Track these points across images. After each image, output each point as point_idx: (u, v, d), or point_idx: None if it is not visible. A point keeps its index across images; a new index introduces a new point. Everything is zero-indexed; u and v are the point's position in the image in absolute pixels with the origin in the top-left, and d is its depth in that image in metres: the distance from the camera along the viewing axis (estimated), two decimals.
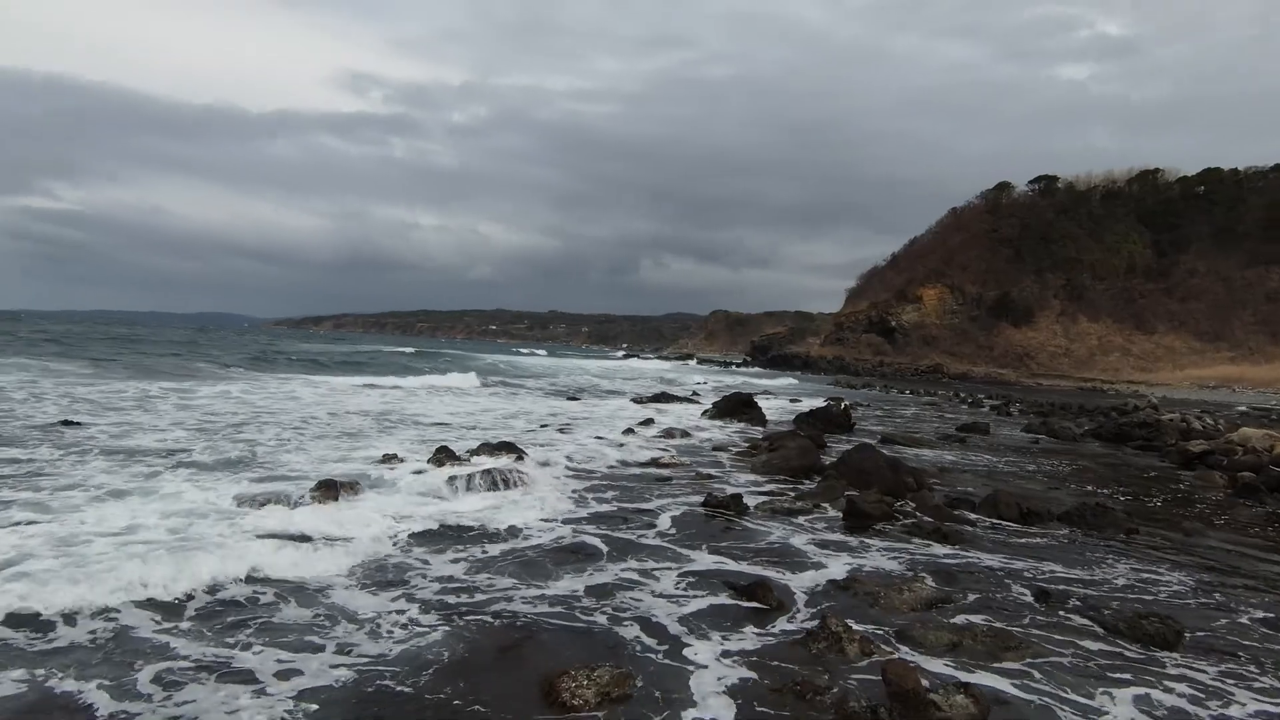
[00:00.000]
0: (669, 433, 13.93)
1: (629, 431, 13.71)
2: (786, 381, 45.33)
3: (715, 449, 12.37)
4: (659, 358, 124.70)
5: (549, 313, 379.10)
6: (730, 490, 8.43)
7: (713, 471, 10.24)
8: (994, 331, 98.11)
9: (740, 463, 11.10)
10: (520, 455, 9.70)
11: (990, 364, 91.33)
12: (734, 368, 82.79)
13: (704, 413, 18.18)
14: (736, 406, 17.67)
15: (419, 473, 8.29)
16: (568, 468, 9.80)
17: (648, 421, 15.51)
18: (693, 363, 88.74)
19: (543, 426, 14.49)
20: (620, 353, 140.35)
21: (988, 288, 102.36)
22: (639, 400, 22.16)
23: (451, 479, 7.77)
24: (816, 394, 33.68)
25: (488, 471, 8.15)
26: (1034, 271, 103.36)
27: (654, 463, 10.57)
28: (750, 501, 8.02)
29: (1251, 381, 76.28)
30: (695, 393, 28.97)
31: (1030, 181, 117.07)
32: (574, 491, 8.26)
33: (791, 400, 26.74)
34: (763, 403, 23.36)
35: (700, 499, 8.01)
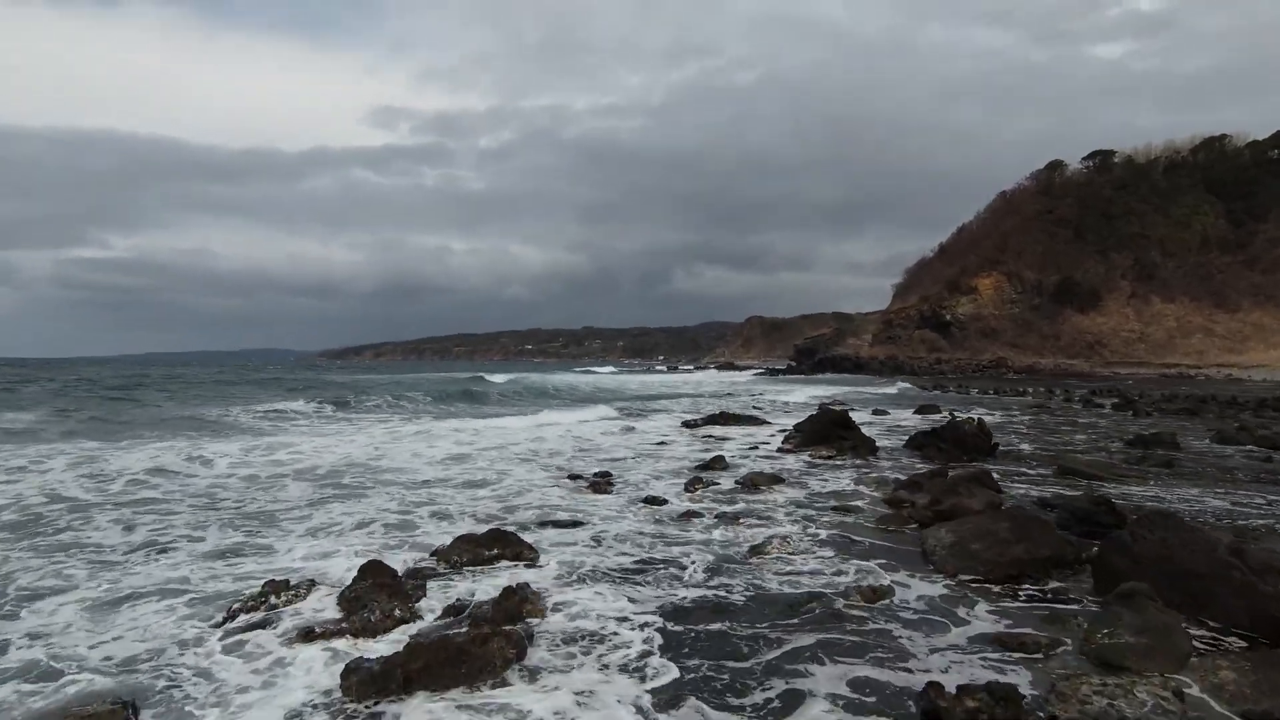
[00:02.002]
0: (774, 477, 9.54)
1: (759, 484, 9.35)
2: (848, 390, 40.44)
3: (839, 508, 7.91)
4: (697, 368, 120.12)
5: (583, 329, 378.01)
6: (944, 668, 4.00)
7: (868, 570, 5.82)
8: (1059, 319, 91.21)
9: (892, 540, 6.65)
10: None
11: (1058, 354, 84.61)
12: (780, 375, 77.77)
13: (785, 438, 13.75)
14: (828, 429, 13.17)
15: None
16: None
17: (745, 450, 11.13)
18: (749, 373, 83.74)
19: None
20: (661, 365, 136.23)
21: (1047, 273, 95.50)
22: (697, 423, 17.82)
23: None
24: (890, 401, 28.86)
25: None
26: (1097, 252, 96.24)
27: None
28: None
29: None
30: (755, 405, 24.58)
31: (1084, 158, 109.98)
32: None
33: (875, 412, 22.06)
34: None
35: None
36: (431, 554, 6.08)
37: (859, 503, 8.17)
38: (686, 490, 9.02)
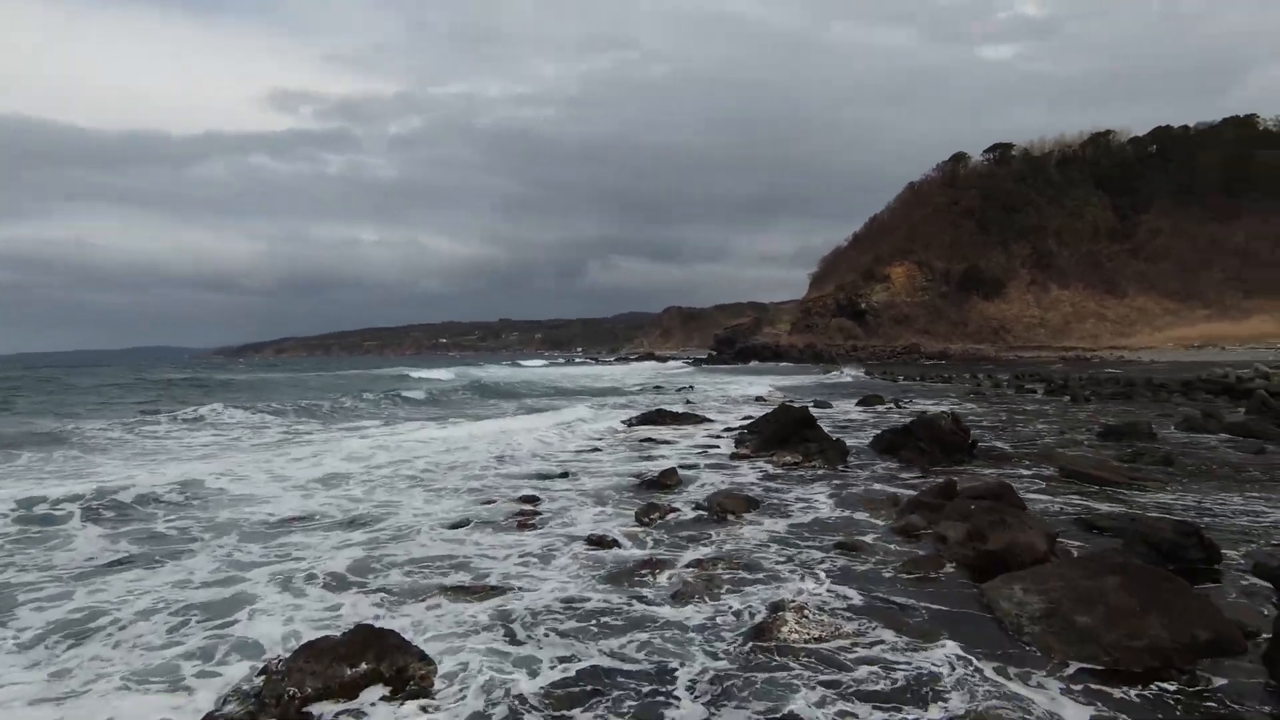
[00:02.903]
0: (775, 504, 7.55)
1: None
2: (785, 381, 39.44)
3: (844, 546, 5.99)
4: (618, 359, 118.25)
5: (500, 321, 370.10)
6: None
7: (943, 662, 3.91)
8: (966, 306, 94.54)
9: (938, 598, 4.79)
10: None
11: (966, 340, 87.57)
12: (705, 365, 76.88)
13: (739, 441, 11.90)
14: (789, 430, 11.37)
15: None
16: None
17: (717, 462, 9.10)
18: (673, 364, 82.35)
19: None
20: (581, 357, 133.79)
21: (954, 262, 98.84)
22: (633, 422, 15.77)
23: None
24: (827, 391, 27.73)
25: None
26: (999, 242, 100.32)
27: None
28: None
29: (1235, 338, 73.74)
30: (688, 400, 22.79)
31: (985, 151, 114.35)
32: None
33: (817, 404, 20.63)
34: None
35: None
36: (260, 673, 3.74)
37: (865, 536, 6.30)
38: (638, 522, 6.93)
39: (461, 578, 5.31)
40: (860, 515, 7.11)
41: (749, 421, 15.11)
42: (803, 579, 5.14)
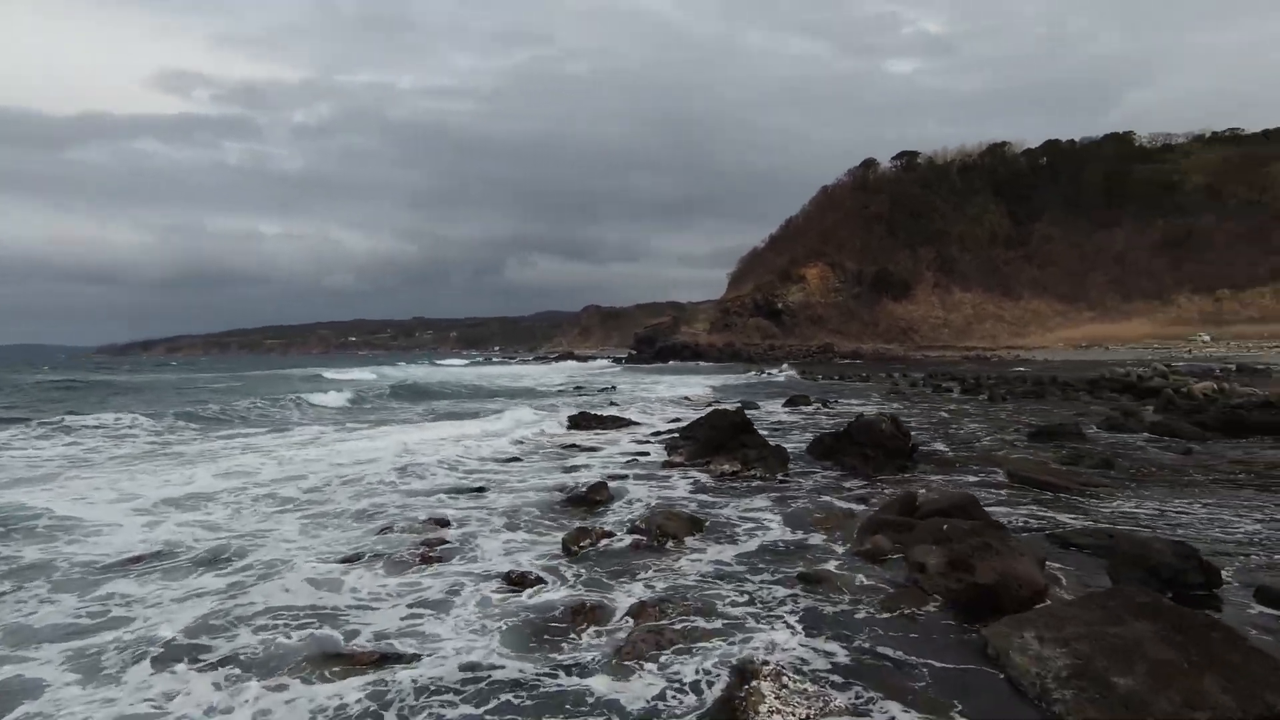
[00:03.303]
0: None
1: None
2: (712, 381, 39.06)
3: (806, 578, 5.16)
4: (537, 358, 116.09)
5: (413, 319, 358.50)
6: None
7: None
8: (877, 307, 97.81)
9: (925, 646, 4.03)
10: None
11: (877, 339, 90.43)
12: (624, 363, 76.16)
13: (671, 448, 11.01)
14: (726, 436, 10.57)
15: None
16: None
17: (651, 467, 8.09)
18: (596, 363, 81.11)
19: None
20: (499, 356, 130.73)
21: (866, 264, 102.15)
22: (563, 425, 14.65)
23: None
24: (751, 392, 27.41)
25: None
26: (907, 246, 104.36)
27: None
28: None
29: (1118, 339, 79.21)
30: (612, 401, 21.82)
31: (894, 157, 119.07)
32: None
33: (744, 405, 20.07)
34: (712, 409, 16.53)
35: None
36: None
37: (827, 564, 5.49)
38: (565, 551, 5.89)
39: (334, 638, 4.13)
40: (816, 537, 6.31)
41: (678, 425, 14.29)
42: (770, 627, 4.24)
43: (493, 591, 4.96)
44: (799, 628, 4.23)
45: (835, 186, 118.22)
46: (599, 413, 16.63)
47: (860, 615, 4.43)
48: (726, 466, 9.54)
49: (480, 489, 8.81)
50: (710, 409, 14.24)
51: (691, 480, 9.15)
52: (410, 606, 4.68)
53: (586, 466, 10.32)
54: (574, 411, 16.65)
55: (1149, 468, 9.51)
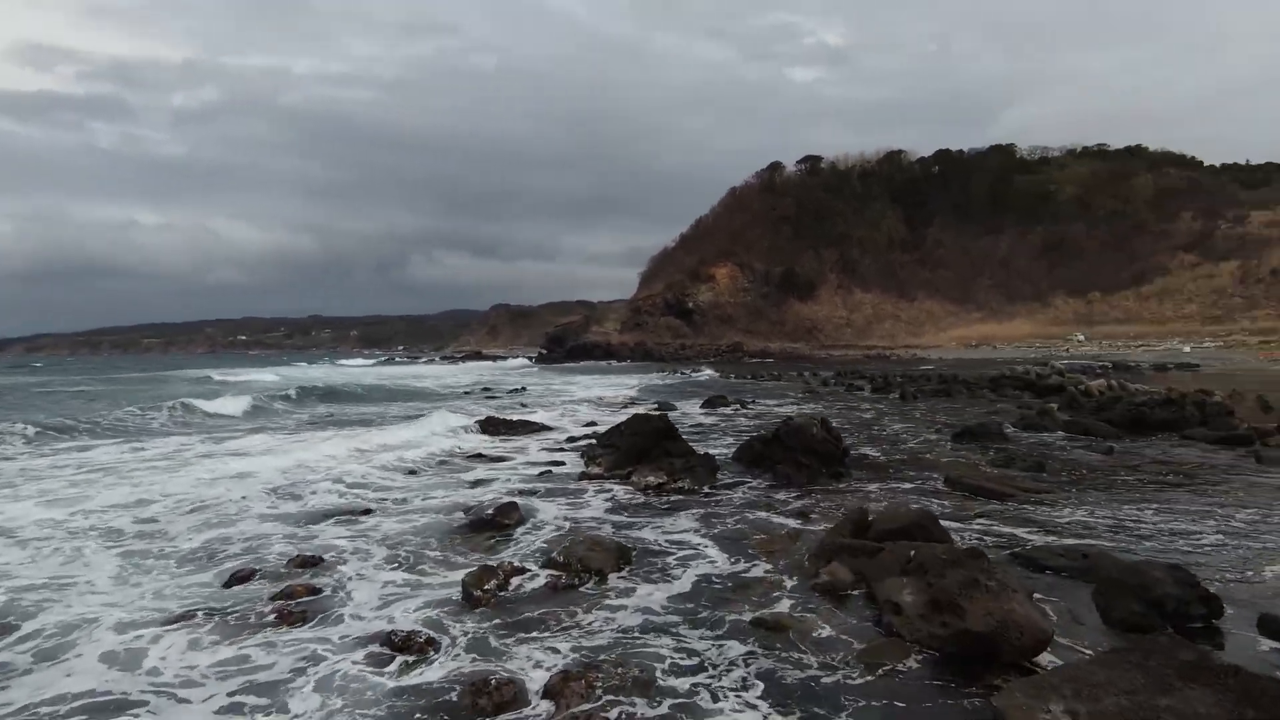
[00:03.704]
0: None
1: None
2: (625, 381, 38.25)
3: (761, 626, 4.28)
4: (443, 358, 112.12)
5: (310, 317, 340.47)
6: None
7: None
8: (784, 307, 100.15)
9: (920, 716, 3.17)
10: None
11: (784, 339, 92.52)
12: (532, 363, 74.38)
13: (589, 458, 9.98)
14: (649, 443, 9.66)
15: None
16: None
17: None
18: (507, 363, 78.68)
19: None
20: (403, 356, 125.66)
21: (773, 264, 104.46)
22: (462, 431, 13.30)
23: None
24: (667, 392, 26.77)
25: None
26: (812, 247, 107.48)
27: None
28: None
29: (1003, 338, 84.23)
30: (522, 403, 20.56)
31: (798, 162, 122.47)
32: None
33: (660, 407, 19.32)
34: (628, 411, 15.58)
35: None
36: None
37: (781, 603, 4.65)
38: (465, 597, 4.78)
39: None
40: (759, 566, 5.47)
41: (595, 430, 13.30)
42: (728, 706, 3.31)
43: (363, 664, 3.81)
44: (764, 705, 3.32)
45: (743, 188, 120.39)
46: (509, 417, 15.41)
47: (834, 679, 3.58)
48: (651, 478, 8.62)
49: (367, 511, 7.53)
50: (630, 414, 13.36)
51: (613, 495, 8.18)
52: (233, 695, 3.47)
53: (494, 480, 9.16)
54: (481, 416, 15.35)
55: (1079, 469, 9.30)
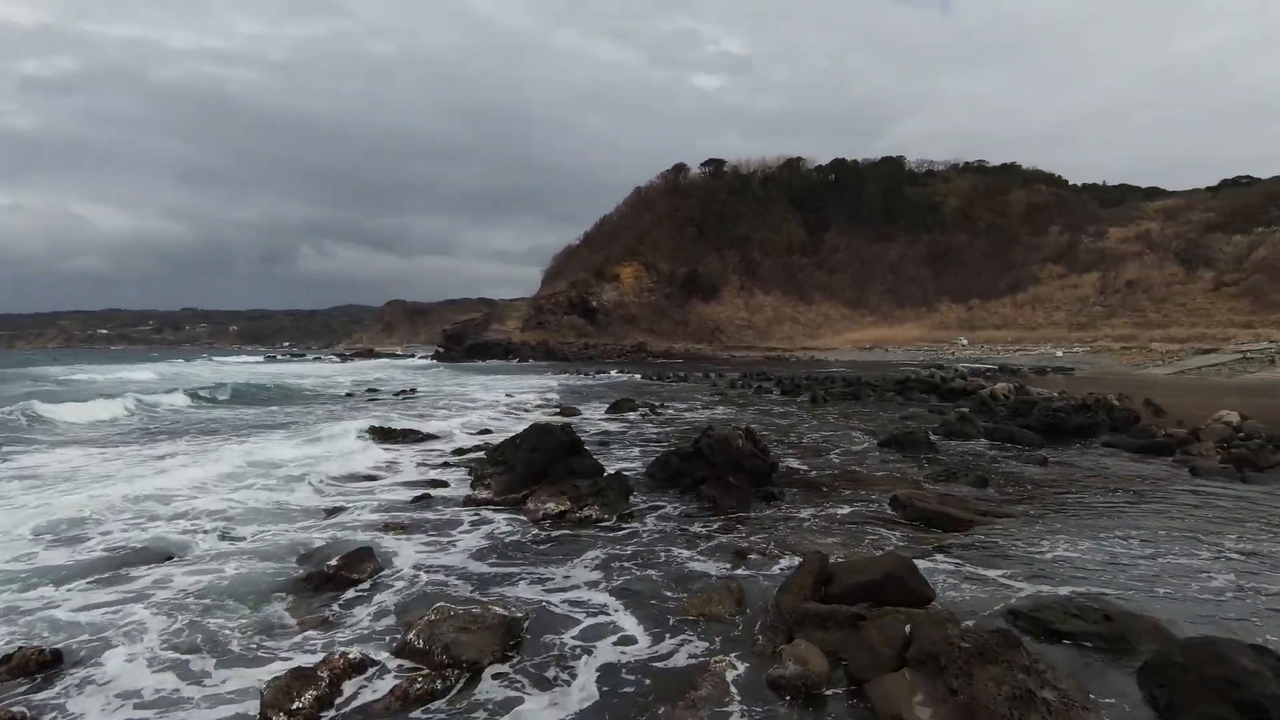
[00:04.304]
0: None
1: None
2: (526, 382, 36.37)
3: None
4: (333, 355, 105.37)
5: (184, 310, 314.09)
6: None
7: None
8: (687, 307, 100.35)
9: None
10: None
11: (688, 339, 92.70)
12: (429, 362, 70.70)
13: (478, 478, 8.30)
14: (550, 460, 8.12)
15: None
16: None
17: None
18: (403, 362, 74.31)
19: None
20: (285, 353, 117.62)
21: (677, 264, 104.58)
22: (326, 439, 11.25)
23: None
24: (570, 395, 25.26)
25: None
26: (715, 249, 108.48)
27: None
28: None
29: (894, 341, 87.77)
30: (409, 407, 18.44)
31: (702, 164, 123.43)
32: None
33: (563, 411, 17.77)
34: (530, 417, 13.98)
35: None
36: None
37: (728, 710, 3.25)
38: (270, 709, 3.11)
39: None
40: (693, 645, 4.07)
41: (487, 440, 11.61)
42: None
43: None
44: None
45: (648, 188, 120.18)
46: (390, 425, 13.42)
47: None
48: (551, 505, 7.09)
49: (169, 557, 5.64)
50: (533, 419, 11.77)
51: (502, 530, 6.61)
52: None
53: (353, 509, 7.36)
54: (360, 422, 13.29)
55: (1023, 484, 8.52)
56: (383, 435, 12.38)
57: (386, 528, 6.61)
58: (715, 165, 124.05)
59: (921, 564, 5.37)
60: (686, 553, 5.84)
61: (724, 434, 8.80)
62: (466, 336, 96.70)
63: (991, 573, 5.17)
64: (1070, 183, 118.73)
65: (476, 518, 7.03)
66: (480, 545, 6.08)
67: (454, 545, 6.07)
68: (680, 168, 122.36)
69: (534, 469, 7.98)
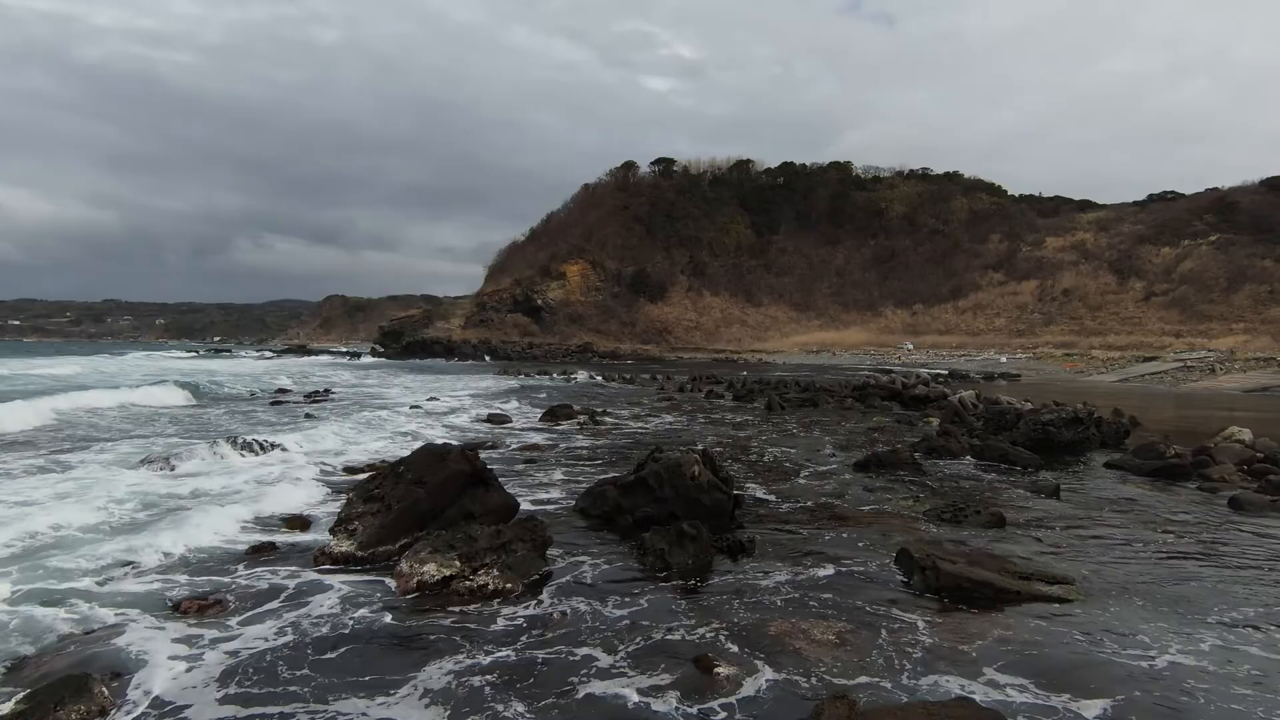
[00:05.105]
0: None
1: None
2: (460, 383, 33.86)
3: None
4: (260, 353, 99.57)
5: (105, 302, 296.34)
6: None
7: None
8: (634, 308, 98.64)
9: None
10: None
11: (635, 340, 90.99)
12: (364, 359, 66.92)
13: (343, 518, 6.08)
14: (437, 499, 6.00)
15: None
16: None
17: None
18: (324, 358, 70.16)
19: None
20: (201, 349, 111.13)
21: (625, 264, 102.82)
22: (153, 460, 8.83)
23: None
24: (502, 397, 23.04)
25: None
26: (663, 248, 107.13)
27: None
28: None
29: (841, 344, 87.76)
30: (309, 414, 15.92)
31: (652, 163, 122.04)
32: None
33: (492, 418, 15.57)
34: (443, 422, 11.77)
35: None
36: None
37: None
38: None
39: None
40: None
41: (374, 464, 9.38)
42: None
43: None
44: None
45: (597, 185, 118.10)
46: (266, 436, 10.99)
47: None
48: (431, 568, 4.97)
49: None
50: (457, 420, 9.60)
51: (341, 615, 4.46)
52: None
53: (145, 568, 5.10)
54: (242, 432, 10.83)
55: (1045, 525, 6.81)
56: (254, 449, 9.99)
57: (177, 609, 4.42)
58: (665, 164, 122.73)
59: (978, 691, 3.49)
60: (614, 662, 3.82)
61: (675, 459, 6.83)
62: (405, 334, 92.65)
63: (1097, 706, 3.31)
64: (1009, 192, 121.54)
65: (318, 587, 4.87)
66: (287, 649, 3.92)
67: (247, 649, 3.89)
68: (630, 165, 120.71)
69: (418, 510, 5.84)
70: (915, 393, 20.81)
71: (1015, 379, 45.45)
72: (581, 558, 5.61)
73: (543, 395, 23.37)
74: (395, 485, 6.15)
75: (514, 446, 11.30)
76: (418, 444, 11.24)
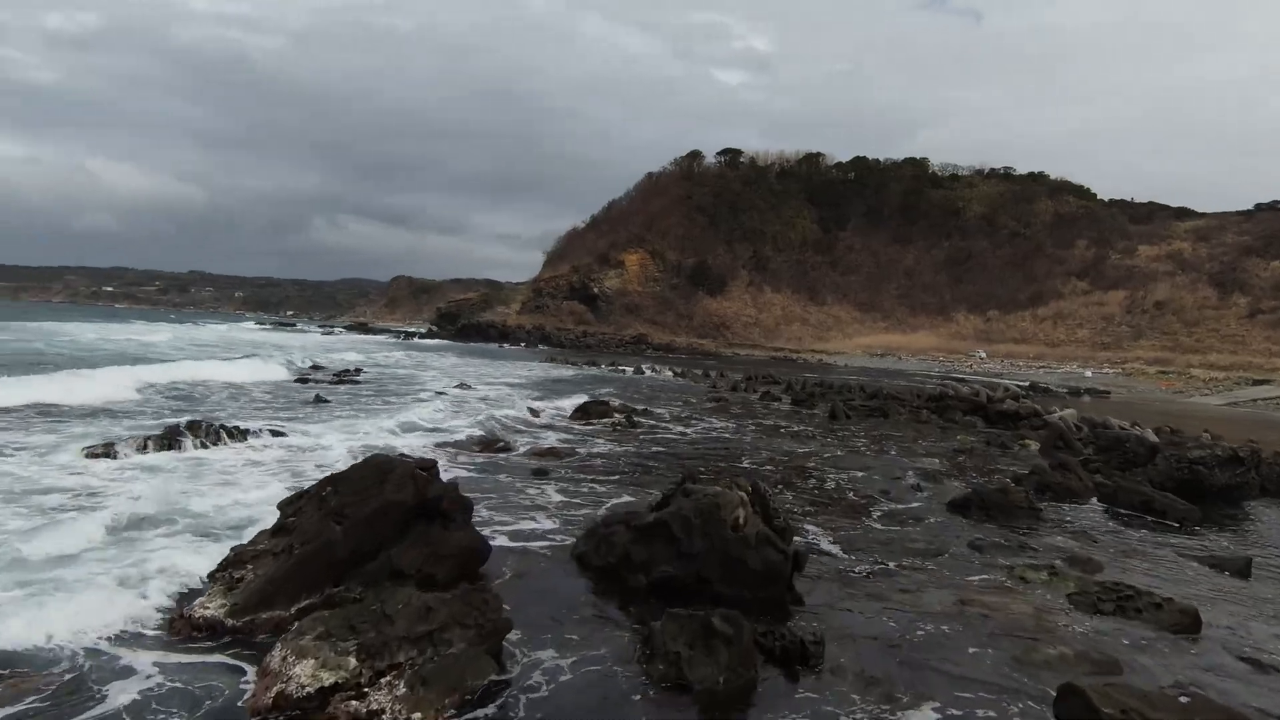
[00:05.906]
0: None
1: None
2: (501, 369, 32.52)
3: None
4: (326, 328, 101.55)
5: (190, 273, 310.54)
6: None
7: None
8: (693, 300, 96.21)
9: None
10: None
11: (691, 334, 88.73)
12: (417, 339, 66.92)
13: (227, 565, 4.36)
14: (365, 536, 4.21)
15: None
16: None
17: None
18: (382, 337, 70.53)
19: None
20: (266, 323, 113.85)
21: (685, 255, 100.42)
22: (113, 450, 7.39)
23: None
24: (542, 387, 21.37)
25: None
26: (725, 241, 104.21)
27: None
28: None
29: (906, 349, 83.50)
30: (322, 397, 14.57)
31: (718, 153, 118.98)
32: None
33: (510, 412, 13.86)
34: (461, 414, 10.02)
35: None
36: None
37: None
38: None
39: None
40: None
41: (332, 468, 7.67)
42: None
43: None
44: None
45: (661, 174, 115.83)
46: (231, 422, 9.50)
47: None
48: (306, 669, 3.15)
49: None
50: (484, 417, 7.90)
51: None
52: None
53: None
54: (216, 419, 9.38)
55: (1258, 621, 4.57)
56: (222, 439, 8.49)
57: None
58: (732, 155, 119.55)
59: None
60: None
61: (712, 498, 4.87)
62: (461, 316, 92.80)
63: None
64: (1098, 196, 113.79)
65: (154, 692, 3.13)
66: None
67: None
68: (695, 155, 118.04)
69: (330, 557, 4.05)
70: (1003, 408, 18.17)
71: (1104, 395, 41.52)
72: (552, 655, 3.70)
73: (584, 387, 21.62)
74: (311, 515, 4.37)
75: (525, 450, 9.49)
76: (416, 439, 9.59)
